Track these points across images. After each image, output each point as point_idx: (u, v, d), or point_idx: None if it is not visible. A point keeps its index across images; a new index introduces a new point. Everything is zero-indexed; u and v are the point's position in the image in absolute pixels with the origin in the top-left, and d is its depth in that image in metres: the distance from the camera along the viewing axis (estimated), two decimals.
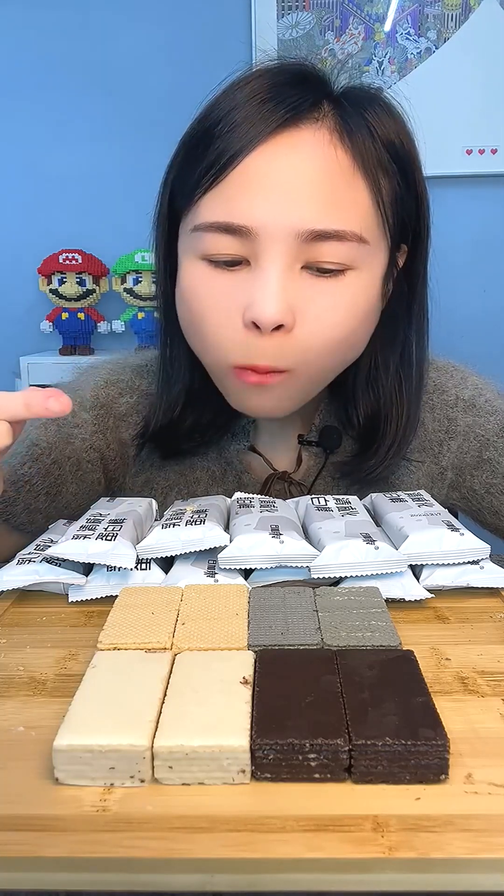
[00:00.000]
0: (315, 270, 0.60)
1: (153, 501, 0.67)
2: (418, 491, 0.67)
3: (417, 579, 0.54)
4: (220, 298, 0.61)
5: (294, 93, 0.60)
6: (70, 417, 0.73)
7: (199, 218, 0.61)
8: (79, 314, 1.91)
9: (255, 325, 0.59)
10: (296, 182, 0.58)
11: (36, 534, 0.62)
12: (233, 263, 0.61)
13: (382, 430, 0.72)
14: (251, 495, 0.65)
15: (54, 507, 0.67)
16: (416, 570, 0.55)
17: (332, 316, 0.61)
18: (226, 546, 0.53)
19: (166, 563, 0.56)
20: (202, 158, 0.61)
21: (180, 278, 0.65)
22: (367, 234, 0.61)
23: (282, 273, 0.59)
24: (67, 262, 1.88)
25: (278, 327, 0.59)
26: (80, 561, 0.53)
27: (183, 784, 0.33)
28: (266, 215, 0.58)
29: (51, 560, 0.54)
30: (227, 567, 0.53)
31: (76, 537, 0.55)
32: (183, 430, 0.74)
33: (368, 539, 0.53)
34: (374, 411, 0.73)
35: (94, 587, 0.54)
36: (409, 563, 0.53)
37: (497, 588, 0.54)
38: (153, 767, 0.33)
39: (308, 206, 0.58)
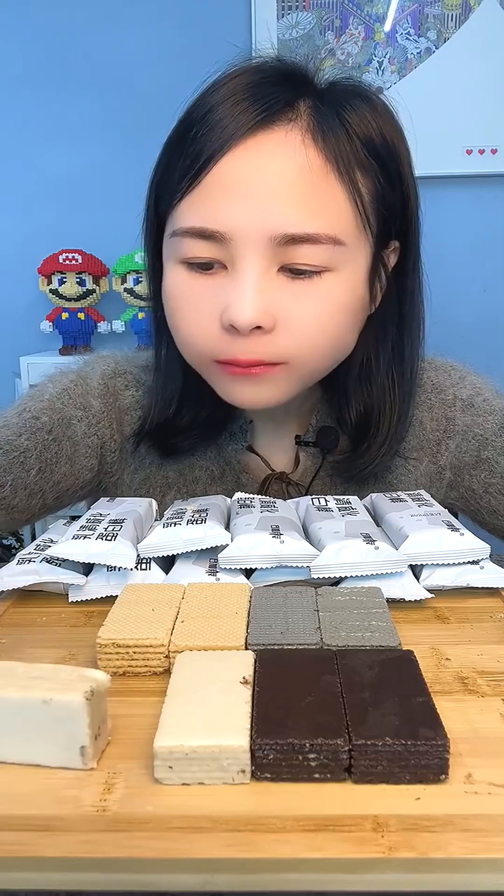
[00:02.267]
0: (291, 272, 0.60)
1: (153, 501, 0.67)
2: (418, 491, 0.67)
3: (417, 579, 0.54)
4: (198, 302, 0.62)
5: (271, 92, 0.60)
6: (78, 400, 0.74)
7: (176, 223, 0.62)
8: (79, 314, 1.91)
9: (234, 328, 0.60)
10: (268, 186, 0.58)
11: (12, 512, 0.61)
12: (210, 267, 0.61)
13: (374, 426, 0.72)
14: (251, 495, 0.65)
15: (40, 486, 0.67)
16: (416, 570, 0.55)
17: (311, 317, 0.61)
18: (227, 545, 0.53)
19: (166, 563, 0.56)
20: (181, 161, 0.61)
21: (163, 281, 0.66)
22: (344, 236, 0.60)
23: (258, 276, 0.59)
24: (67, 262, 1.88)
25: (257, 328, 0.60)
26: (80, 561, 0.53)
27: (183, 784, 0.33)
28: (240, 220, 0.58)
29: (51, 560, 0.54)
30: (228, 567, 0.53)
31: (76, 537, 0.55)
32: (179, 427, 0.74)
33: (368, 539, 0.53)
34: (367, 408, 0.73)
35: (94, 587, 0.54)
36: (409, 563, 0.53)
37: (497, 588, 0.54)
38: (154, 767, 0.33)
39: (281, 210, 0.58)
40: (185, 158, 0.60)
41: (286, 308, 0.61)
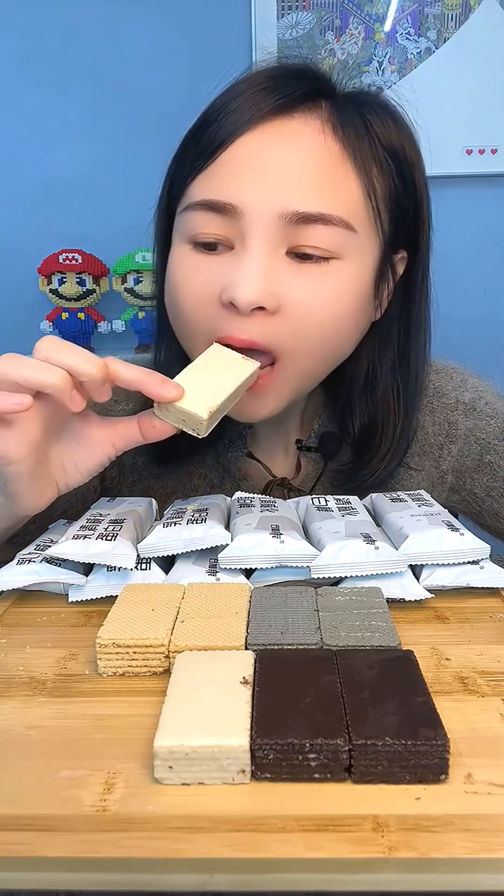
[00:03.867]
0: (299, 256, 0.60)
1: (153, 501, 0.67)
2: (418, 491, 0.67)
3: (417, 579, 0.54)
4: (200, 279, 0.61)
5: (291, 83, 0.60)
6: None
7: (188, 199, 0.61)
8: (79, 314, 1.91)
9: (233, 305, 0.59)
10: (283, 166, 0.58)
11: (16, 547, 0.61)
12: (215, 248, 0.61)
13: (378, 438, 0.72)
14: (252, 495, 0.65)
15: (48, 513, 0.66)
16: (416, 570, 0.55)
17: (315, 302, 0.60)
18: (227, 545, 0.53)
19: (166, 563, 0.56)
20: (197, 145, 0.61)
21: (168, 262, 0.65)
22: (355, 223, 0.60)
23: (265, 255, 0.59)
24: (67, 262, 1.88)
25: (259, 309, 0.59)
26: (80, 561, 0.53)
27: (183, 784, 0.33)
28: (252, 195, 0.58)
29: (51, 560, 0.54)
30: (228, 567, 0.53)
31: (76, 537, 0.55)
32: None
33: (368, 539, 0.53)
34: (371, 419, 0.72)
35: (94, 587, 0.54)
36: (409, 563, 0.53)
37: (497, 588, 0.54)
38: (154, 767, 0.33)
39: (294, 188, 0.58)
40: (201, 142, 0.60)
41: (290, 291, 0.59)
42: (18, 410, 0.47)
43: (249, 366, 0.57)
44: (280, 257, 0.59)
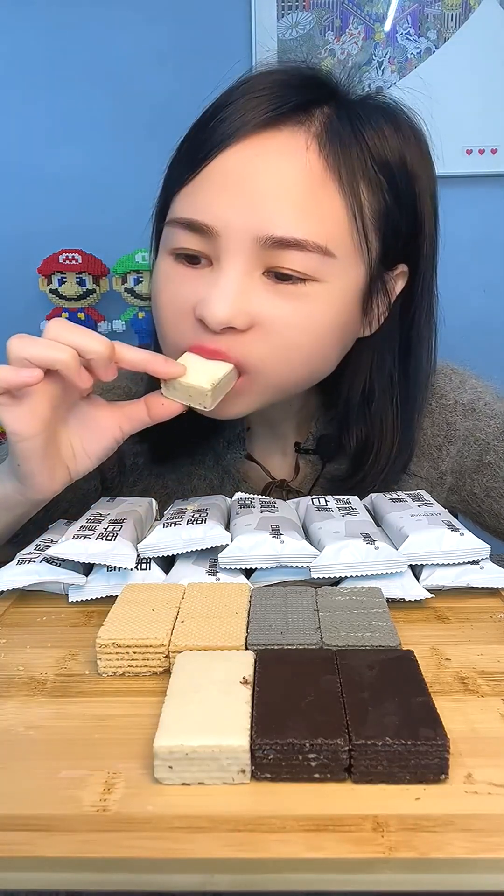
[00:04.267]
0: (275, 277, 0.59)
1: (153, 501, 0.67)
2: (418, 491, 0.67)
3: (417, 579, 0.54)
4: (178, 293, 0.61)
5: (288, 93, 0.59)
6: None
7: (172, 213, 0.61)
8: (79, 314, 1.91)
9: (204, 323, 0.59)
10: (263, 186, 0.57)
11: (18, 546, 0.61)
12: (197, 261, 0.61)
13: (373, 455, 0.71)
14: (252, 496, 0.65)
15: (48, 517, 0.66)
16: (416, 570, 0.55)
17: (288, 324, 0.59)
18: (227, 545, 0.53)
19: (166, 563, 0.56)
20: (189, 152, 0.61)
21: (153, 270, 0.65)
22: (335, 248, 0.59)
23: (240, 276, 0.58)
24: (67, 262, 1.88)
25: (229, 328, 0.58)
26: (80, 561, 0.53)
27: (183, 784, 0.33)
28: (229, 217, 0.57)
29: (51, 560, 0.54)
30: (228, 567, 0.53)
31: (76, 537, 0.55)
32: (176, 428, 0.73)
33: (368, 539, 0.53)
34: (367, 435, 0.71)
35: (94, 587, 0.54)
36: (409, 563, 0.53)
37: (497, 588, 0.54)
38: (154, 767, 0.33)
39: (272, 211, 0.57)
40: (192, 150, 0.60)
41: (263, 310, 0.59)
42: (31, 383, 0.50)
43: (226, 364, 0.59)
44: (256, 277, 0.59)
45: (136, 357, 0.56)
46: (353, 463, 0.73)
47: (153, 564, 0.55)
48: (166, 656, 0.43)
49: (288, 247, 0.57)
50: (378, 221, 0.61)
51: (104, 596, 0.53)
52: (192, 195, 0.59)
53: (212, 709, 0.35)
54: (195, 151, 0.60)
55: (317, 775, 0.33)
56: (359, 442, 0.72)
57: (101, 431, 0.58)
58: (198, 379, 0.57)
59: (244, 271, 0.58)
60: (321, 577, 0.52)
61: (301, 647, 0.43)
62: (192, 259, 0.61)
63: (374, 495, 0.67)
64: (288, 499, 0.74)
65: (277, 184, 0.57)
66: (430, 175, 0.65)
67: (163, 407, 0.59)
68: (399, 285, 0.67)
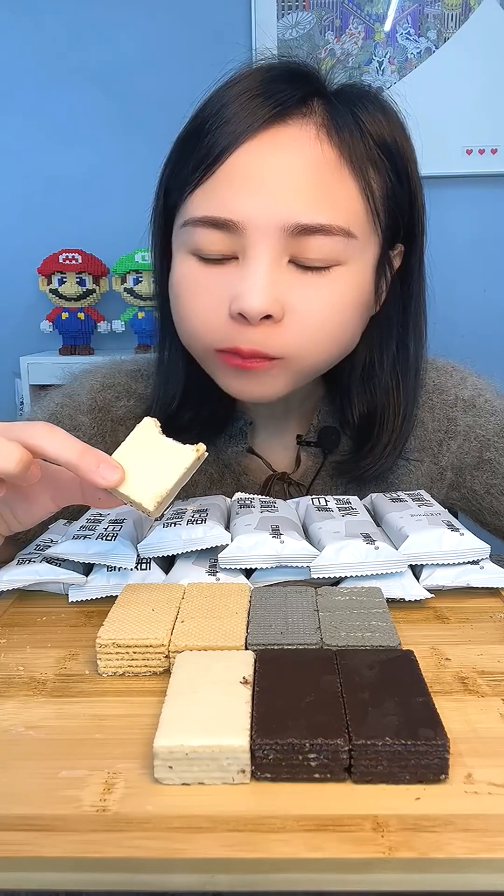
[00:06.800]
0: (301, 266, 0.61)
1: None
2: (418, 491, 0.67)
3: (417, 579, 0.54)
4: (207, 292, 0.62)
5: (283, 88, 0.60)
6: (67, 421, 0.73)
7: (188, 213, 0.62)
8: (79, 314, 1.91)
9: (242, 317, 0.60)
10: (282, 177, 0.59)
11: (18, 543, 0.60)
12: (221, 259, 0.61)
13: (378, 428, 0.72)
14: (252, 495, 0.65)
15: (48, 518, 0.66)
16: (416, 570, 0.55)
17: (319, 309, 0.61)
18: (227, 545, 0.53)
19: (166, 563, 0.56)
20: (194, 154, 0.61)
21: (172, 273, 0.65)
22: (355, 229, 0.61)
23: (269, 266, 0.60)
24: (67, 262, 1.88)
25: (266, 318, 0.60)
26: (81, 561, 0.53)
27: (183, 784, 0.33)
28: (253, 210, 0.59)
29: (51, 560, 0.54)
30: (228, 567, 0.53)
31: (76, 537, 0.55)
32: (180, 425, 0.73)
33: (368, 539, 0.53)
34: (370, 409, 0.73)
35: (95, 587, 0.54)
36: (409, 563, 0.53)
37: (497, 588, 0.54)
38: (154, 766, 0.33)
39: (294, 200, 0.59)
40: (198, 151, 0.61)
41: (294, 299, 0.61)
42: None
43: (189, 453, 0.49)
44: (283, 266, 0.61)
45: (62, 454, 0.46)
46: (356, 441, 0.74)
47: (153, 564, 0.55)
48: (166, 656, 0.43)
49: (313, 233, 0.59)
50: (386, 201, 0.64)
51: (104, 596, 0.53)
52: (210, 193, 0.60)
53: (212, 709, 0.35)
54: (204, 152, 0.60)
55: (317, 775, 0.33)
56: (361, 416, 0.73)
57: (31, 505, 0.53)
58: (139, 492, 0.46)
59: (272, 261, 0.60)
60: (321, 577, 0.52)
61: (301, 647, 0.43)
62: (215, 259, 0.62)
63: (374, 495, 0.67)
64: (289, 491, 0.75)
65: (295, 174, 0.59)
66: (413, 149, 0.67)
67: (98, 502, 0.51)
68: (396, 263, 0.69)
